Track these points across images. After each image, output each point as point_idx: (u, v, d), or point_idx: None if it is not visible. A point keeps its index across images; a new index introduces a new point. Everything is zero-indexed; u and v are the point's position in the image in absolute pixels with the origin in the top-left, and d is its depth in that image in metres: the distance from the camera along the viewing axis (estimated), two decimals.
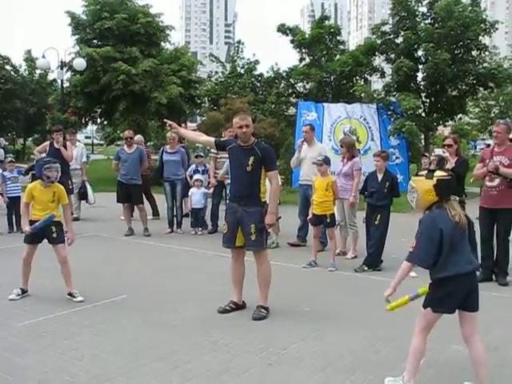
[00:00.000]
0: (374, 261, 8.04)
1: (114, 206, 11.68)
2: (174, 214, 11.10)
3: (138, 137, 12.60)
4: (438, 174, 3.96)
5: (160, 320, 5.65)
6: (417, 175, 4.09)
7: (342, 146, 9.21)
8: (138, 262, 8.49)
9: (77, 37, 24.31)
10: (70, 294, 6.25)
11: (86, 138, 69.58)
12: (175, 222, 11.11)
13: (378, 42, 20.82)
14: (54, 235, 6.23)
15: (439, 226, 3.81)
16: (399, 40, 20.14)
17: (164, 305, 6.22)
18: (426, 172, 4.03)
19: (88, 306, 6.09)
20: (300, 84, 24.42)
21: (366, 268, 8.00)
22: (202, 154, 12.04)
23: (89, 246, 9.46)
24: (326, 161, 8.35)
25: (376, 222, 8.03)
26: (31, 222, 6.22)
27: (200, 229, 10.96)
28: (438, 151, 7.82)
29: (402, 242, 7.41)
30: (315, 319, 5.78)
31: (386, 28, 20.61)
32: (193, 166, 11.69)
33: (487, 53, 19.97)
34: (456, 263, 3.83)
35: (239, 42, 30.09)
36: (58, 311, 5.87)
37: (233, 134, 11.03)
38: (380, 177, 8.23)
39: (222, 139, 6.03)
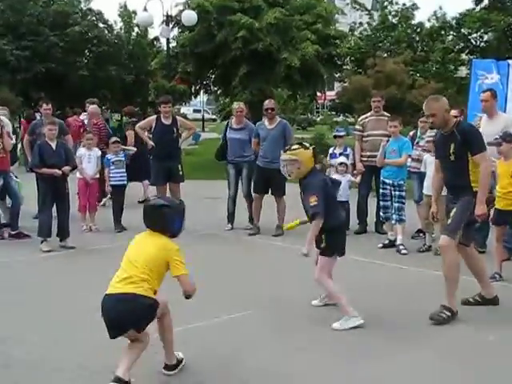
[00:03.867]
0: None
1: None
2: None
3: (93, 107, 13.70)
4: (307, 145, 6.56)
5: (303, 339, 5.86)
6: (287, 150, 6.54)
7: None
8: (258, 269, 8.75)
9: None
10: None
11: (195, 111, 71.37)
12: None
13: None
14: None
15: (328, 184, 6.46)
16: None
17: (296, 320, 6.41)
18: (298, 145, 6.54)
19: (223, 318, 6.49)
20: (475, 35, 23.65)
21: None
22: (341, 133, 12.00)
23: (206, 244, 9.97)
24: (506, 137, 8.08)
25: None
26: None
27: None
28: None
29: None
30: None
31: None
32: (330, 150, 11.75)
33: None
34: (337, 214, 6.48)
35: None
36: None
37: (378, 105, 11.03)
38: None
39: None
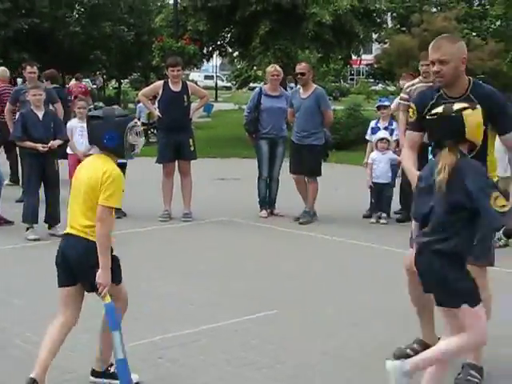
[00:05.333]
0: None
1: (251, 178, 12.09)
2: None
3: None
4: (436, 109, 4.71)
5: (324, 352, 5.92)
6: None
7: None
8: (286, 263, 8.81)
9: None
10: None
11: (207, 78, 71.21)
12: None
13: None
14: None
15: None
16: None
17: (328, 329, 6.49)
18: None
19: (235, 321, 6.57)
20: None
21: None
22: (386, 103, 11.98)
23: (212, 237, 10.14)
24: None
25: None
26: None
27: (384, 215, 11.04)
28: None
29: None
30: None
31: None
32: (372, 123, 11.80)
33: None
34: None
35: None
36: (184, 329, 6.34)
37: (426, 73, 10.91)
38: None
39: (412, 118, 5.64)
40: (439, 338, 5.46)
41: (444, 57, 5.14)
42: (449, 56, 5.15)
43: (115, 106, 6.03)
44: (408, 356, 5.45)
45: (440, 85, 5.30)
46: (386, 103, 11.94)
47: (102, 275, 4.71)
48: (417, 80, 11.16)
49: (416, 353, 5.47)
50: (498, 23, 24.82)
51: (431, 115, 4.67)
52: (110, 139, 4.81)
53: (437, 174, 4.44)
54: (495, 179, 5.27)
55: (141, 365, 5.40)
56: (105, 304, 4.81)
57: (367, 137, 11.84)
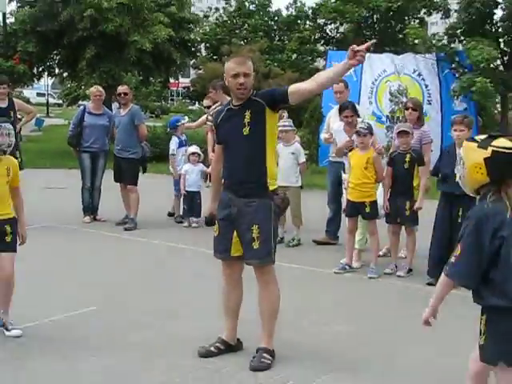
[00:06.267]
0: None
1: (76, 187, 11.73)
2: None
3: None
4: (499, 142, 3.51)
5: (139, 343, 5.70)
6: (472, 139, 3.63)
7: (414, 110, 8.77)
8: (109, 264, 8.56)
9: None
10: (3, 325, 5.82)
11: (39, 95, 69.52)
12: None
13: None
14: (8, 239, 5.79)
15: (492, 225, 3.44)
16: None
17: (144, 322, 6.25)
18: (483, 137, 3.57)
19: (42, 322, 6.16)
20: (331, 26, 24.37)
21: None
22: (183, 120, 12.20)
23: (41, 241, 9.54)
24: (371, 130, 8.35)
25: (459, 220, 7.38)
26: None
27: (195, 219, 11.07)
28: None
29: None
30: (350, 344, 5.79)
31: None
32: (175, 139, 11.85)
33: None
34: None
35: None
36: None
37: (213, 99, 11.09)
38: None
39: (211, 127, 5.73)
40: (238, 339, 5.56)
41: (248, 70, 5.16)
42: (251, 70, 5.20)
43: None
44: (212, 353, 5.41)
45: (243, 96, 5.15)
46: (183, 120, 12.44)
47: None
48: (218, 104, 11.19)
49: (219, 351, 5.43)
50: (294, 56, 25.55)
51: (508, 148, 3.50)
52: None
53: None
54: (274, 187, 5.29)
55: None
56: None
57: (173, 152, 11.81)
